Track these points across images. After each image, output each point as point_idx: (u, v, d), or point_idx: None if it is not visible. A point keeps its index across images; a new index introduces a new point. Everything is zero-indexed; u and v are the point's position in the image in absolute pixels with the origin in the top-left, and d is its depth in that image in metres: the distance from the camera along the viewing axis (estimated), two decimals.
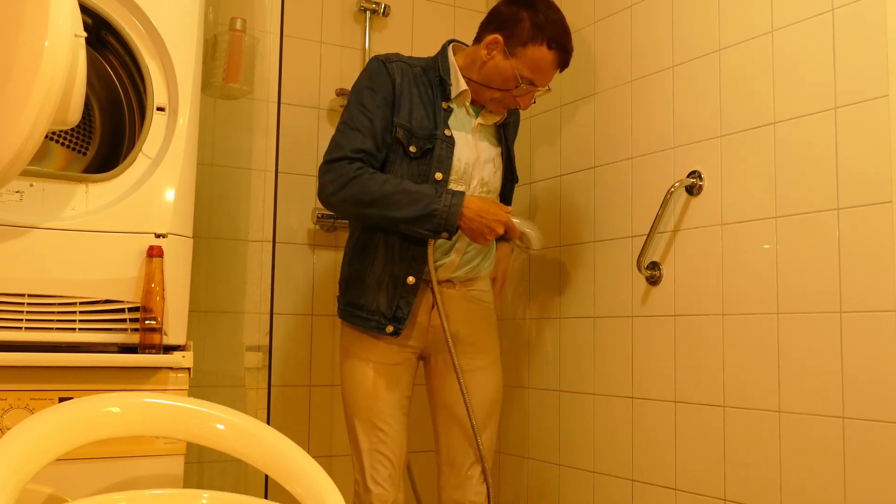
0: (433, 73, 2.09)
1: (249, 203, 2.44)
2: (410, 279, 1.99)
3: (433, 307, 2.04)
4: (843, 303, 1.71)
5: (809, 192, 1.79)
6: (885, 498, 1.61)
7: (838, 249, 1.72)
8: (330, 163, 1.97)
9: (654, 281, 2.14)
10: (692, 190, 2.05)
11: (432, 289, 2.01)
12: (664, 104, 2.15)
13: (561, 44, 2.02)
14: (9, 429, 1.21)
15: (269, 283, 2.37)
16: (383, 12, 2.67)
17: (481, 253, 2.12)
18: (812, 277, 1.77)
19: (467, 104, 2.10)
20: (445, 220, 1.93)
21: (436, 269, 2.02)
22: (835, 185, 1.74)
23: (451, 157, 2.03)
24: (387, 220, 1.98)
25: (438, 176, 2.02)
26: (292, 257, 2.51)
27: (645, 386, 2.15)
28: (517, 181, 2.29)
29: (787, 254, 1.82)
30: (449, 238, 1.99)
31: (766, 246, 1.87)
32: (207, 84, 2.23)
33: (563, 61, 2.05)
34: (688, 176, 2.06)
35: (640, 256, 2.11)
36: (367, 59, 2.62)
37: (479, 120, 2.12)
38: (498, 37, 2.02)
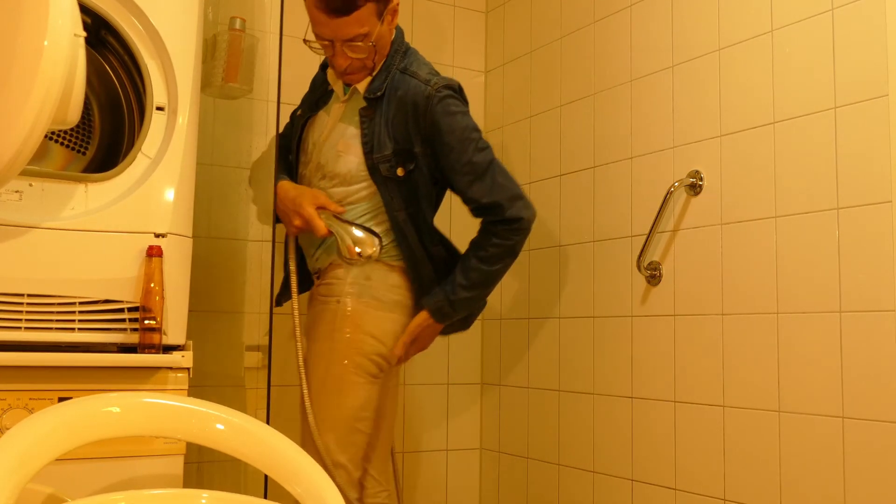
0: None
1: (249, 203, 2.43)
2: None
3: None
4: (843, 302, 1.70)
5: (809, 192, 1.79)
6: (884, 498, 1.61)
7: (838, 249, 1.72)
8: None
9: (653, 281, 2.14)
10: (692, 189, 2.05)
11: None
12: (664, 104, 2.15)
13: None
14: (8, 429, 1.21)
15: (269, 282, 2.36)
16: None
17: (323, 244, 2.04)
18: (812, 277, 1.77)
19: (339, 83, 2.05)
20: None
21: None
22: (835, 185, 1.73)
23: (297, 138, 2.07)
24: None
25: (291, 157, 2.08)
26: None
27: (645, 386, 2.15)
28: (462, 172, 1.96)
29: (787, 253, 1.82)
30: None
31: (766, 246, 1.87)
32: (207, 84, 2.23)
33: (323, 3, 1.87)
34: (688, 175, 2.06)
35: (639, 256, 2.11)
36: None
37: (343, 98, 2.04)
38: None
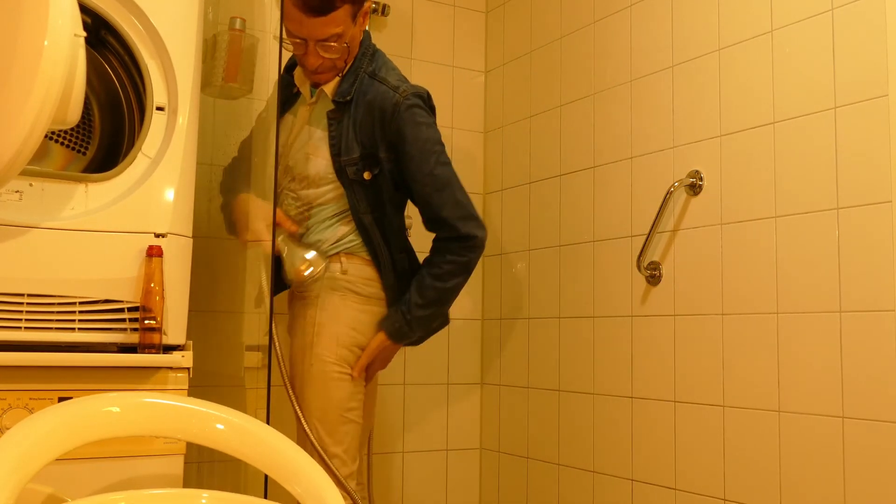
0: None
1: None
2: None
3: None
4: (843, 302, 1.70)
5: (809, 192, 1.79)
6: (884, 497, 1.61)
7: (838, 249, 1.72)
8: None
9: (653, 280, 2.14)
10: (692, 189, 2.05)
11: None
12: (664, 104, 2.15)
13: None
14: (8, 428, 1.21)
15: (269, 282, 2.36)
16: (383, 12, 2.67)
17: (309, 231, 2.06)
18: (812, 277, 1.77)
19: (306, 85, 2.05)
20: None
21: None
22: (834, 185, 1.73)
23: (260, 143, 2.07)
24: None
25: (256, 159, 2.09)
26: None
27: (645, 385, 2.15)
28: (423, 186, 1.98)
29: (787, 253, 1.82)
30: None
31: (766, 246, 1.87)
32: (207, 83, 2.23)
33: (301, 1, 1.86)
34: (688, 175, 2.06)
35: (639, 256, 2.11)
36: None
37: (310, 100, 2.03)
38: None
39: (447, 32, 2.78)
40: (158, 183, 1.71)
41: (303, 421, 1.95)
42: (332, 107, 1.99)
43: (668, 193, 2.07)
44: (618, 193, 2.28)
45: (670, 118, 2.13)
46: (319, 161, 2.00)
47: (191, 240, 1.77)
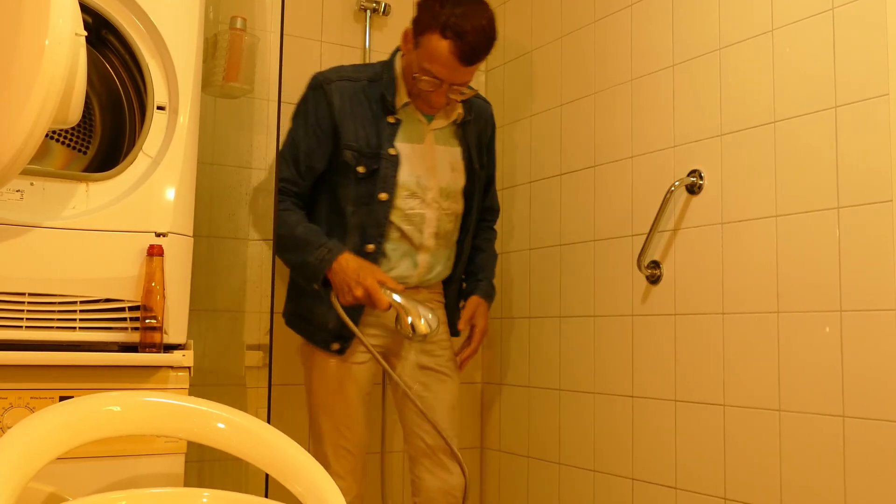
0: (377, 88, 2.08)
1: (249, 202, 2.44)
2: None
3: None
4: (844, 301, 1.71)
5: (810, 191, 1.79)
6: (884, 497, 1.61)
7: (838, 248, 1.72)
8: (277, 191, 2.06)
9: (654, 280, 2.14)
10: (692, 189, 2.05)
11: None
12: (664, 103, 2.15)
13: (457, 32, 1.92)
14: (9, 427, 1.21)
15: (270, 281, 2.37)
16: (383, 11, 2.67)
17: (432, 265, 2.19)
18: (812, 276, 1.77)
19: (418, 113, 2.09)
20: (313, 274, 1.99)
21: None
22: (835, 184, 1.74)
23: (395, 176, 2.04)
24: (284, 261, 2.08)
25: (383, 196, 2.04)
26: None
27: (645, 385, 2.15)
28: (491, 181, 2.36)
29: (788, 253, 1.82)
30: (321, 289, 2.02)
31: (767, 245, 1.87)
32: (208, 83, 2.23)
33: (461, 52, 1.94)
34: (688, 175, 2.06)
35: (640, 255, 2.11)
36: (367, 58, 2.62)
37: (434, 126, 2.11)
38: (408, 28, 2.04)
39: None
40: (159, 182, 1.71)
41: (442, 423, 2.12)
42: (450, 128, 2.14)
43: (669, 193, 2.07)
44: (618, 193, 2.28)
45: (670, 117, 2.14)
46: (459, 177, 2.17)
47: (191, 239, 1.77)
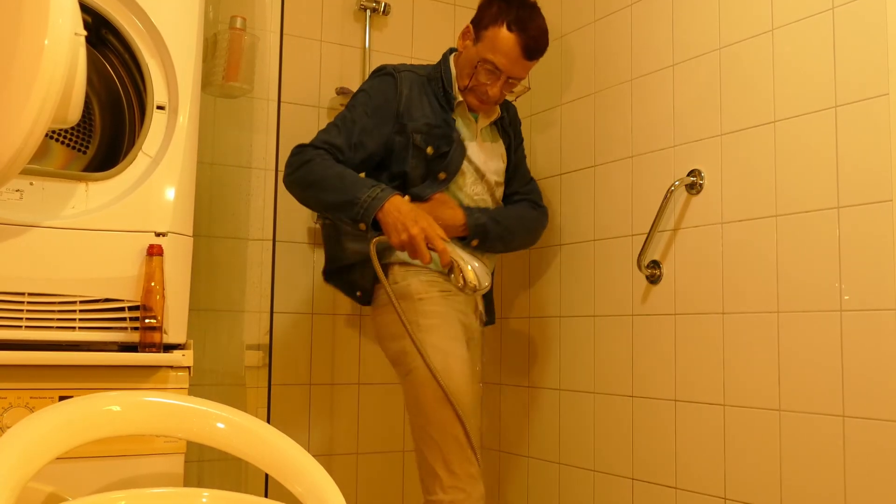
0: (437, 83, 2.14)
1: (249, 201, 2.44)
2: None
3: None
4: (844, 301, 1.70)
5: (810, 191, 1.79)
6: (884, 496, 1.61)
7: (838, 248, 1.72)
8: (297, 147, 2.01)
9: (654, 279, 2.14)
10: (692, 188, 2.05)
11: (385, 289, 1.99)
12: (664, 103, 2.15)
13: (522, 27, 2.02)
14: (9, 427, 1.21)
15: (270, 281, 2.37)
16: (383, 11, 2.67)
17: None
18: (812, 276, 1.77)
19: (467, 112, 2.16)
20: (365, 210, 1.91)
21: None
22: (835, 184, 1.73)
23: (460, 161, 2.09)
24: (319, 204, 2.03)
25: (442, 176, 2.06)
26: (292, 256, 2.50)
27: (645, 384, 2.15)
28: (528, 176, 2.36)
29: (788, 252, 1.82)
30: (366, 231, 1.96)
31: (767, 245, 1.87)
32: (207, 82, 2.23)
33: (526, 46, 2.03)
34: (688, 174, 2.06)
35: (640, 255, 2.11)
36: (367, 58, 2.62)
37: (480, 124, 2.18)
38: (469, 24, 2.11)
39: (447, 31, 2.78)
40: (159, 182, 1.71)
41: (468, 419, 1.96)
42: (490, 127, 2.22)
43: (669, 192, 2.07)
44: (618, 192, 2.28)
45: (671, 117, 2.13)
46: (503, 169, 2.23)
47: (191, 239, 1.77)
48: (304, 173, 1.97)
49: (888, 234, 1.63)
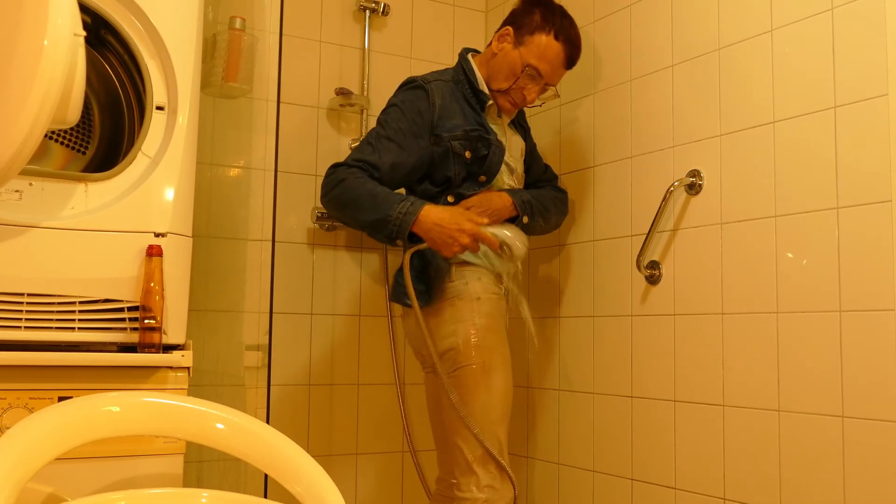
0: (464, 86, 2.15)
1: (249, 202, 2.43)
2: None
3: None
4: (843, 302, 1.71)
5: (809, 191, 1.79)
6: (884, 497, 1.61)
7: (838, 248, 1.72)
8: (332, 166, 2.04)
9: (653, 280, 2.14)
10: (692, 189, 2.05)
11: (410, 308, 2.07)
12: (664, 103, 2.15)
13: (568, 37, 2.09)
14: (8, 428, 1.21)
15: (269, 282, 2.37)
16: (383, 11, 2.67)
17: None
18: (812, 276, 1.77)
19: (494, 109, 2.18)
20: (398, 227, 1.95)
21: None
22: (834, 184, 1.73)
23: (500, 163, 2.11)
24: (356, 223, 2.07)
25: (482, 178, 2.10)
26: (292, 256, 2.51)
27: (644, 385, 2.15)
28: (543, 163, 2.40)
29: (787, 252, 1.82)
30: (404, 246, 2.01)
31: (766, 245, 1.87)
32: (207, 83, 2.23)
33: (570, 55, 2.11)
34: (687, 175, 2.06)
35: (639, 255, 2.11)
36: (366, 58, 2.62)
37: (505, 121, 2.21)
38: (509, 27, 2.12)
39: (447, 32, 2.78)
40: (158, 182, 1.71)
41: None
42: (512, 125, 2.25)
43: (668, 193, 2.07)
44: (617, 192, 2.28)
45: (670, 117, 2.13)
46: (522, 158, 2.27)
47: (191, 239, 1.77)
48: (338, 193, 2.00)
49: (887, 234, 1.63)
